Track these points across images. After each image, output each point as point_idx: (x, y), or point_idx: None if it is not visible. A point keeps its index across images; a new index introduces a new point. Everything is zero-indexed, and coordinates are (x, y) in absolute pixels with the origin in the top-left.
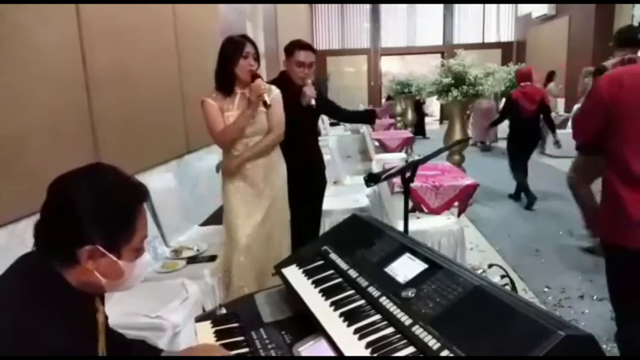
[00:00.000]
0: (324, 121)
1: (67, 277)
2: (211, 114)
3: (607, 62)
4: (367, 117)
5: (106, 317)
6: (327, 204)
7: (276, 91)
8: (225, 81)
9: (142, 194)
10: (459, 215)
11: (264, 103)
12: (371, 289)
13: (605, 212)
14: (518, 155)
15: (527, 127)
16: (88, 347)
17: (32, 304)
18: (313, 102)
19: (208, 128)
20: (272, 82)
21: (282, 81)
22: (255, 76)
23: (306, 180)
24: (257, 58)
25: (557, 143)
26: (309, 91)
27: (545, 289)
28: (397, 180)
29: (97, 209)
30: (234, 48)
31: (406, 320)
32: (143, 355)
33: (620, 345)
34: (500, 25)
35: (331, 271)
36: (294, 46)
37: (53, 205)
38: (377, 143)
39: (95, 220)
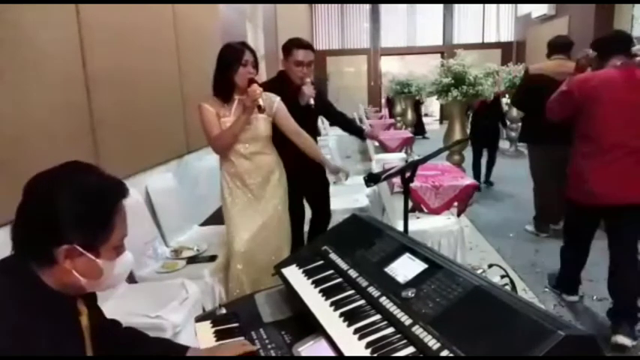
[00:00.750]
0: (323, 122)
1: (45, 279)
2: (207, 118)
3: (537, 65)
4: (357, 133)
5: (101, 319)
6: None
7: (277, 99)
8: (224, 88)
9: (120, 192)
10: (458, 215)
11: (259, 107)
12: (371, 289)
13: (571, 179)
14: (477, 150)
15: (480, 126)
16: (70, 349)
17: (9, 306)
18: (312, 101)
19: (204, 132)
20: (270, 81)
21: (281, 81)
22: (251, 81)
23: (307, 180)
24: (256, 65)
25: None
26: (308, 90)
27: (545, 289)
28: (397, 180)
29: (73, 208)
30: (233, 56)
31: (406, 320)
32: (147, 355)
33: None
34: (500, 25)
35: (331, 271)
36: (292, 45)
37: (29, 205)
38: (377, 143)
39: (72, 219)
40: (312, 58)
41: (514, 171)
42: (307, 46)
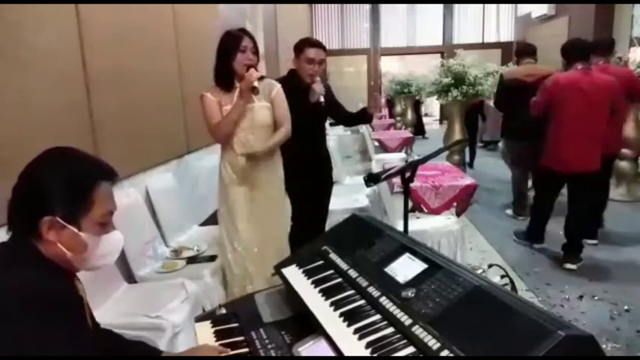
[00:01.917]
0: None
1: (42, 251)
2: (209, 107)
3: (510, 70)
4: (363, 117)
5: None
6: None
7: (277, 86)
8: (224, 76)
9: (102, 171)
10: (458, 216)
11: (253, 89)
12: (371, 289)
13: (548, 151)
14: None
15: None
16: (77, 310)
17: (17, 270)
18: (322, 99)
19: (205, 122)
20: (281, 79)
21: (292, 79)
22: (249, 67)
23: (314, 178)
24: (256, 52)
25: None
26: (318, 87)
27: (545, 289)
28: (397, 180)
29: (54, 182)
30: (231, 42)
31: (406, 320)
32: (144, 355)
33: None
34: (500, 25)
35: (331, 271)
36: (304, 44)
37: (18, 184)
38: (377, 143)
39: (53, 192)
40: (324, 56)
41: None
42: (319, 44)
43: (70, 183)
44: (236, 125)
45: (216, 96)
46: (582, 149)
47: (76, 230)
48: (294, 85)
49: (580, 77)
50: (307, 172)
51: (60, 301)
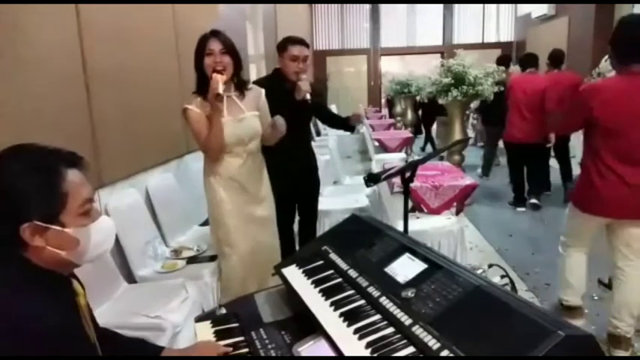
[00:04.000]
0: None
1: (33, 260)
2: (196, 122)
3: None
4: (345, 126)
5: (90, 309)
6: (327, 204)
7: (263, 92)
8: (201, 83)
9: (64, 159)
10: (457, 214)
11: (217, 96)
12: (371, 289)
13: (505, 129)
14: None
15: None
16: (76, 326)
17: (10, 291)
18: (308, 96)
19: (194, 137)
20: (265, 78)
21: (276, 78)
22: (215, 71)
23: (301, 179)
24: (227, 52)
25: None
26: (304, 85)
27: (546, 289)
28: (397, 180)
29: (18, 184)
30: (198, 46)
31: (406, 320)
32: (143, 355)
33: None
34: (500, 25)
35: (331, 271)
36: (286, 42)
37: None
38: (377, 143)
39: (20, 196)
40: (307, 53)
41: None
42: (301, 41)
43: (36, 181)
44: (221, 137)
45: (201, 107)
46: (523, 127)
47: (60, 228)
48: (280, 84)
49: (525, 78)
50: (292, 172)
51: (49, 339)
